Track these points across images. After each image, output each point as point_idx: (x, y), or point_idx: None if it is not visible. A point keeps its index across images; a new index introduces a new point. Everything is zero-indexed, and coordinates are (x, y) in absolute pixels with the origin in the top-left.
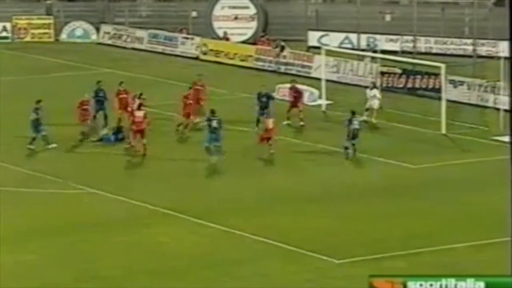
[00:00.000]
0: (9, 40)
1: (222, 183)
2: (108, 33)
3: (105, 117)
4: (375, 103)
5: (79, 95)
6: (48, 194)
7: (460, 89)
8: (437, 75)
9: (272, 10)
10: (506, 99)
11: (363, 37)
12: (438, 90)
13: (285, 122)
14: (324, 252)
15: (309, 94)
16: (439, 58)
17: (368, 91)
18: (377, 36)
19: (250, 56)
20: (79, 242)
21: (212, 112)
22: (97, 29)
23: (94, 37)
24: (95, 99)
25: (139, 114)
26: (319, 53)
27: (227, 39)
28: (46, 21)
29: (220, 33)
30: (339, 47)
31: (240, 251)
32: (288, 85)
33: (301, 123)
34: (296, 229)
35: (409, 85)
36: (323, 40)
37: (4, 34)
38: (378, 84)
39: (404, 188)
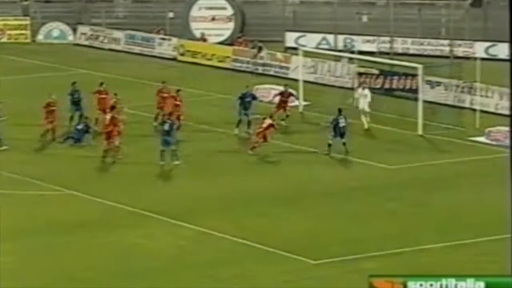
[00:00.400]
0: None
1: (199, 184)
2: (85, 34)
3: (81, 117)
4: (365, 104)
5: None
6: (25, 196)
7: (437, 89)
8: (414, 75)
9: (249, 11)
10: (482, 99)
11: (340, 38)
12: (415, 91)
13: (283, 122)
14: (301, 253)
15: None
16: (416, 59)
17: (360, 90)
18: (354, 37)
19: (228, 57)
20: (55, 244)
21: (169, 114)
22: (74, 30)
23: (71, 38)
24: (70, 101)
25: (107, 116)
26: (296, 54)
27: (205, 40)
28: (23, 22)
29: (198, 34)
30: (317, 48)
31: (219, 252)
32: (280, 88)
33: (284, 123)
34: (273, 230)
35: (386, 85)
36: (301, 41)
37: None
38: (355, 84)
39: (381, 188)
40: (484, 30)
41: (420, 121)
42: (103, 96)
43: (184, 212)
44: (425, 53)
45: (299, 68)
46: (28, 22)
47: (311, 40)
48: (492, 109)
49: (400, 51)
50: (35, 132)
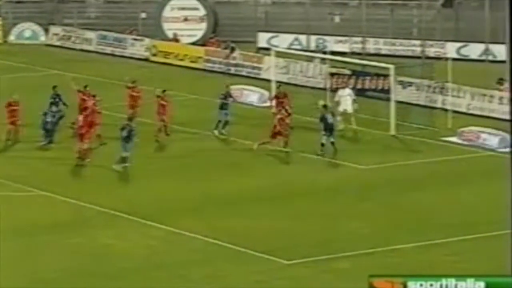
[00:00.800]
0: None
1: (172, 185)
2: (57, 34)
3: (60, 118)
4: (349, 106)
5: (24, 96)
6: None
7: (408, 90)
8: (386, 76)
9: (221, 12)
10: (454, 100)
11: (313, 38)
12: (387, 91)
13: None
14: (273, 253)
15: (259, 95)
16: (388, 59)
17: (340, 91)
18: (327, 37)
19: (200, 57)
20: (26, 245)
21: (129, 119)
22: (46, 31)
23: (43, 38)
24: (51, 104)
25: (80, 118)
26: (268, 55)
27: (177, 41)
28: None
29: (170, 34)
30: (289, 48)
31: (190, 252)
32: (275, 92)
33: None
34: (246, 230)
35: (359, 86)
36: (273, 42)
37: None
38: (328, 85)
39: (353, 188)
40: (456, 30)
41: (392, 121)
42: (85, 98)
43: (156, 213)
44: (397, 53)
45: (271, 69)
46: None
47: (283, 41)
48: (464, 109)
49: (372, 51)
50: (3, 133)
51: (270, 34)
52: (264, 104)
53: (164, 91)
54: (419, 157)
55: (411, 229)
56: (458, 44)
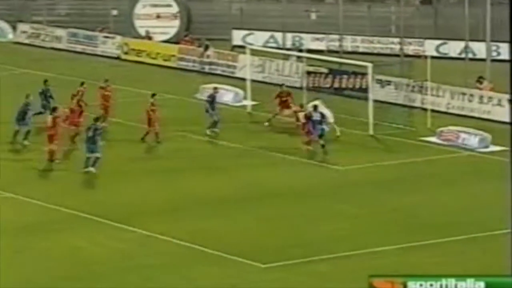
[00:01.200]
0: None
1: (143, 186)
2: (26, 32)
3: (39, 113)
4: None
5: None
6: None
7: (387, 89)
8: (364, 74)
9: (195, 8)
10: (433, 99)
11: (289, 36)
12: (365, 90)
13: (266, 123)
14: (250, 256)
15: (234, 94)
16: (366, 58)
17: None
18: (303, 35)
19: (173, 55)
20: None
21: (96, 120)
22: (14, 28)
23: (11, 36)
24: (41, 99)
25: (48, 118)
26: (243, 53)
27: (149, 38)
28: None
29: (142, 32)
30: (264, 46)
31: (162, 255)
32: (278, 90)
33: (298, 122)
34: (221, 233)
35: (336, 85)
36: (248, 39)
37: None
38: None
39: (331, 189)
40: (435, 27)
41: (370, 121)
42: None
43: (127, 215)
44: (375, 51)
45: (246, 67)
46: None
47: (258, 38)
48: (443, 109)
49: (349, 49)
50: None
51: (245, 32)
52: (239, 104)
53: (153, 95)
54: (398, 158)
55: (391, 231)
56: (437, 42)
